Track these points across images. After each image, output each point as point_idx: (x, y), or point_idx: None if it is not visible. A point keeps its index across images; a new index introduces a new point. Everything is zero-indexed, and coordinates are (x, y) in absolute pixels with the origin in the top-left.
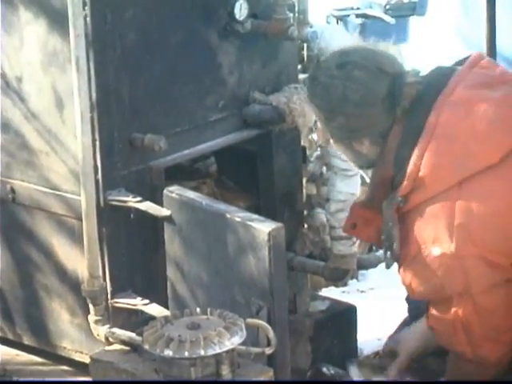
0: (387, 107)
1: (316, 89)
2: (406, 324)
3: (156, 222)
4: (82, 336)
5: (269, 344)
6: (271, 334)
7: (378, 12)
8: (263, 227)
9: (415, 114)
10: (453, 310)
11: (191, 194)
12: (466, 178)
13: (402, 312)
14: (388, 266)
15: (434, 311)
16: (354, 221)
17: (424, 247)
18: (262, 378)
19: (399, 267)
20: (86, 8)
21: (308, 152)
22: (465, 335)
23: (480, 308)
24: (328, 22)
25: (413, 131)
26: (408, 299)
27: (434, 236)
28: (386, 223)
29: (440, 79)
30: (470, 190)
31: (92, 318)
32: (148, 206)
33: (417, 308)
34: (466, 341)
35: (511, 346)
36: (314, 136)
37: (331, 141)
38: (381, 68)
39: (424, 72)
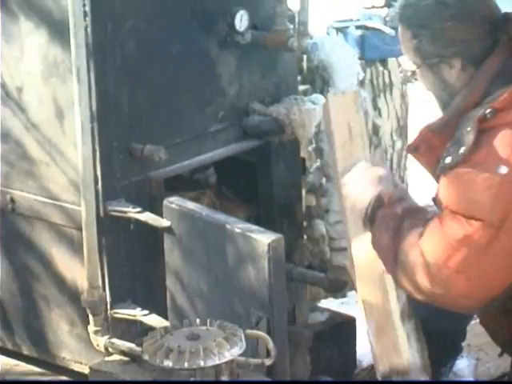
0: (487, 29)
1: (406, 9)
2: None
3: (156, 233)
4: (81, 346)
5: (268, 355)
6: (271, 344)
7: (377, 24)
8: (263, 238)
9: None
10: (470, 230)
11: (191, 205)
12: None
13: None
14: (442, 170)
15: (450, 216)
16: (418, 143)
17: (491, 161)
18: None
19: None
20: (87, 19)
21: (307, 163)
22: (460, 257)
23: (496, 245)
24: (328, 34)
25: None
26: None
27: (508, 157)
28: (461, 129)
29: None
30: None
31: (91, 328)
32: (148, 217)
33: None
34: (455, 262)
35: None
36: (314, 147)
37: (417, 72)
38: None
39: None
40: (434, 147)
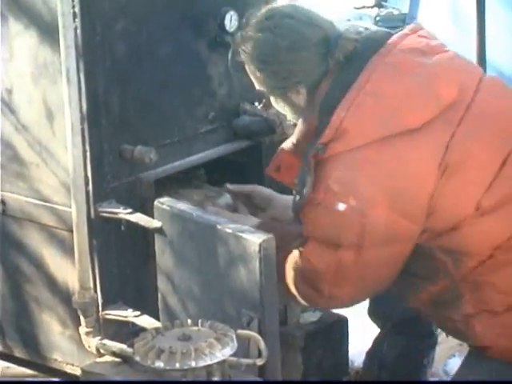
0: (322, 54)
1: (246, 44)
2: (379, 340)
3: (147, 234)
4: (73, 348)
5: (260, 355)
6: (262, 345)
7: (368, 23)
8: (254, 238)
9: (348, 67)
10: (337, 252)
11: (182, 206)
12: (387, 136)
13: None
14: (294, 211)
15: (315, 245)
16: (278, 164)
17: (329, 199)
18: None
19: (302, 210)
20: (77, 20)
21: None
22: (334, 276)
23: (361, 259)
24: None
25: (342, 84)
26: (371, 314)
27: (344, 189)
28: (302, 168)
29: (378, 39)
30: (388, 151)
31: (83, 329)
32: (139, 218)
33: (388, 319)
34: (330, 281)
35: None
36: None
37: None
38: (312, 21)
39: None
40: (291, 166)
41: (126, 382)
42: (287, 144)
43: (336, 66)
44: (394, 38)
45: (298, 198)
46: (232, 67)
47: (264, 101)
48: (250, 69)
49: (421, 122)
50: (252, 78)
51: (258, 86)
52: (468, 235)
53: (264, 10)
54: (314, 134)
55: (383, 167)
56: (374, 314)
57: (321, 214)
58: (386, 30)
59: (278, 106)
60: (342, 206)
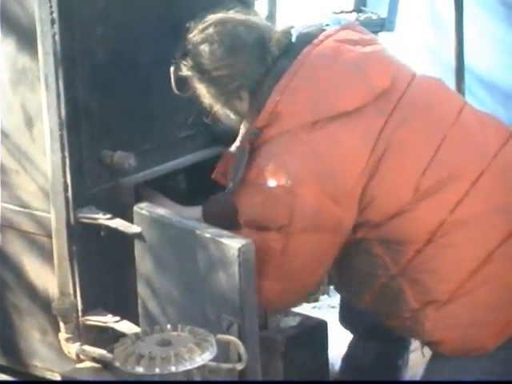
0: (259, 55)
1: (187, 58)
2: (353, 345)
3: (127, 239)
4: (53, 354)
5: (240, 360)
6: (242, 349)
7: None
8: (233, 243)
9: (282, 58)
10: (265, 235)
11: (161, 211)
12: (320, 119)
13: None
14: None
15: (247, 230)
16: (224, 170)
17: (261, 178)
18: None
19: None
20: (55, 26)
21: None
22: (258, 262)
23: (288, 247)
24: None
25: (276, 73)
26: (341, 321)
27: (274, 166)
28: (237, 157)
29: (312, 33)
30: (321, 132)
31: (63, 335)
32: (118, 223)
33: (359, 324)
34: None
35: (294, 299)
36: None
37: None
38: (246, 23)
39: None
40: None
41: (121, 381)
42: (232, 148)
43: (273, 60)
44: (329, 31)
45: (231, 184)
46: (175, 86)
47: (210, 114)
48: (193, 81)
49: (353, 106)
50: (196, 91)
51: (202, 99)
52: (405, 221)
53: (199, 21)
54: None
55: (314, 147)
56: (343, 320)
57: (252, 193)
58: (321, 27)
59: (224, 115)
60: (272, 183)
